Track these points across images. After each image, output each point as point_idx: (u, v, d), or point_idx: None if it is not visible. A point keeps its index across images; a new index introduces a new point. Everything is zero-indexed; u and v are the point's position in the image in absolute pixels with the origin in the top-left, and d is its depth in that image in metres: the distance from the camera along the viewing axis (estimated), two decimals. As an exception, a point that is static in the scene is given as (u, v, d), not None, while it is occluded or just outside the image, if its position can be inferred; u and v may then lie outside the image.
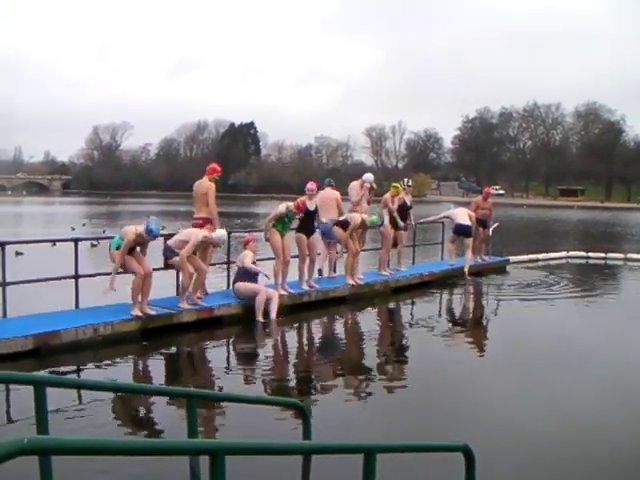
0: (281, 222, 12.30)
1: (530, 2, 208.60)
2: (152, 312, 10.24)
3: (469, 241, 17.62)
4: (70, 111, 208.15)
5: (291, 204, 12.34)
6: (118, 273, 9.98)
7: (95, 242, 17.47)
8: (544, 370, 8.96)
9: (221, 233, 11.27)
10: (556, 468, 5.83)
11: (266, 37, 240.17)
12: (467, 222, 17.44)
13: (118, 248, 9.97)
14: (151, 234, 10.00)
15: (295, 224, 12.85)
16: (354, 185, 14.68)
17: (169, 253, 10.83)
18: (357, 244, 13.98)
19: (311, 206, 12.79)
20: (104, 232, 27.39)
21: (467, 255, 17.57)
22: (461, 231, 17.55)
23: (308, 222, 12.89)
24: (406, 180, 16.88)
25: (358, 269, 14.33)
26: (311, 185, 13.04)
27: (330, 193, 14.01)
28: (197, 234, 10.76)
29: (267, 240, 12.31)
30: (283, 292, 12.22)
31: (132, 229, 10.02)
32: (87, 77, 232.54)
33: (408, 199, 16.12)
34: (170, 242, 10.90)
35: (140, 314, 10.04)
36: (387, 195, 15.34)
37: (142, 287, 10.09)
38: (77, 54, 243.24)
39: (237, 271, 11.94)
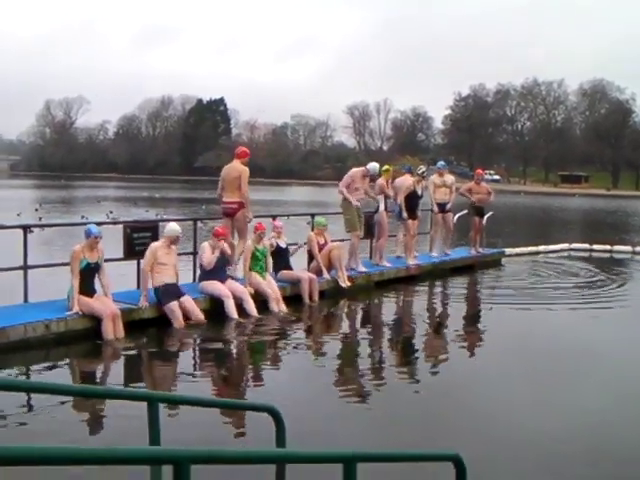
0: (254, 260, 12.28)
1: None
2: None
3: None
4: (20, 84, 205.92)
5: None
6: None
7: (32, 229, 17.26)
8: (546, 376, 9.00)
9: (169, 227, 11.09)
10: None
11: (246, 8, 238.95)
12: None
13: None
14: None
15: None
16: (355, 173, 14.67)
17: None
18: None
19: (282, 243, 13.15)
20: (40, 220, 27.10)
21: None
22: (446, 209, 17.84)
23: (280, 261, 12.97)
24: (421, 168, 17.21)
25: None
26: (278, 223, 13.41)
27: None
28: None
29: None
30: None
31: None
32: (40, 47, 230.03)
33: (419, 187, 16.22)
34: None
35: None
36: (381, 180, 15.37)
37: None
38: (30, 21, 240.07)
39: (200, 266, 11.91)
